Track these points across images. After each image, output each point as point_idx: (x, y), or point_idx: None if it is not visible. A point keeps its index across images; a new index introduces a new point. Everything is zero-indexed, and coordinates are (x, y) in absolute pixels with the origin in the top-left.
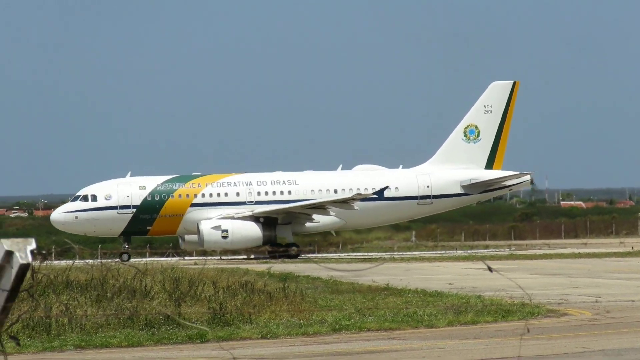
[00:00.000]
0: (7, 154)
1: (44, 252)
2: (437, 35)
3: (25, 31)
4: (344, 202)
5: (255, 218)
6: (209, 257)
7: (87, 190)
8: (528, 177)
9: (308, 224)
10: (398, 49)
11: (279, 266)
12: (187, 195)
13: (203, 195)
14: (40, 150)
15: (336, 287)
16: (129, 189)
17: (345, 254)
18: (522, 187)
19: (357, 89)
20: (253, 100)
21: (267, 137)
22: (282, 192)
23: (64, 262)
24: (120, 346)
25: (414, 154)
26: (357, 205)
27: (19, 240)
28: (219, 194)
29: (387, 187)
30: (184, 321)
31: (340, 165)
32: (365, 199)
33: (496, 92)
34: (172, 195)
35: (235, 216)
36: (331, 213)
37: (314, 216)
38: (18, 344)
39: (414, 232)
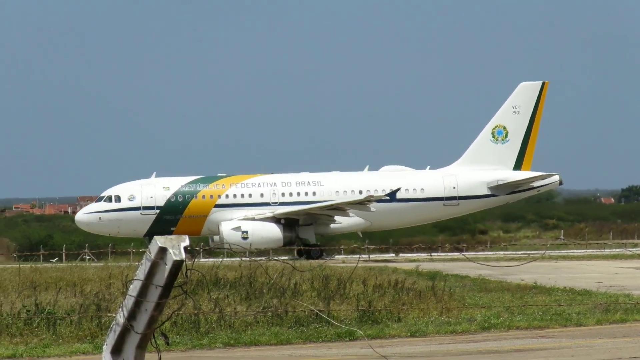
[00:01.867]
0: (36, 155)
1: (197, 249)
2: (465, 35)
3: (53, 31)
4: (360, 204)
5: (276, 219)
6: (354, 255)
7: (111, 191)
8: (557, 178)
9: (332, 225)
10: (427, 49)
11: (427, 264)
12: (211, 196)
13: (227, 196)
14: (68, 152)
15: (485, 286)
16: (152, 190)
17: (493, 253)
18: (551, 188)
19: (386, 90)
20: (281, 101)
21: (294, 138)
22: (306, 193)
23: (211, 260)
24: (269, 344)
25: (443, 155)
26: (373, 207)
27: (173, 237)
28: (242, 195)
29: (399, 189)
30: (332, 319)
31: (367, 166)
32: (392, 199)
33: (525, 93)
34: (196, 196)
35: (256, 217)
36: (351, 214)
37: (337, 217)
38: (167, 343)
39: (562, 231)
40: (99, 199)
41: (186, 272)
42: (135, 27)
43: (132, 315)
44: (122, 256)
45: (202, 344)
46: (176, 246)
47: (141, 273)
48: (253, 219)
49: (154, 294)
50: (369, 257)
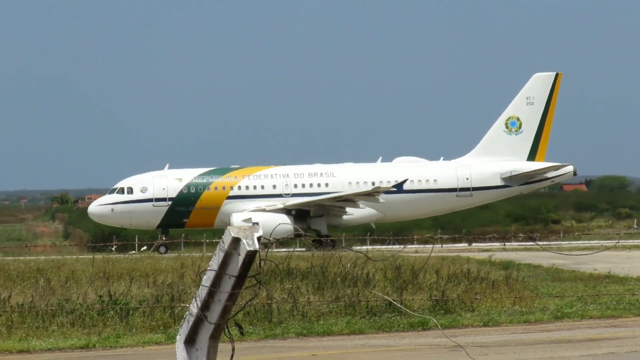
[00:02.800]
0: (52, 149)
1: (269, 239)
2: (479, 26)
3: (62, 28)
4: (369, 195)
5: (287, 211)
6: (426, 245)
7: (123, 183)
8: (571, 168)
9: (345, 217)
10: (441, 40)
11: (500, 254)
12: (224, 187)
13: (239, 187)
14: (84, 145)
15: (557, 275)
16: (165, 182)
17: (566, 242)
18: (565, 179)
19: (400, 82)
20: (296, 94)
21: (308, 130)
22: (319, 185)
23: (284, 251)
24: (342, 334)
25: (456, 146)
26: (384, 198)
27: (246, 227)
28: (255, 187)
29: (405, 181)
30: (406, 309)
31: (380, 158)
32: (399, 190)
33: (538, 84)
34: (208, 188)
35: (267, 209)
36: (361, 206)
37: (348, 209)
38: (242, 333)
39: (635, 220)
40: (112, 191)
41: (259, 262)
42: (149, 20)
43: (205, 306)
44: (195, 247)
45: (275, 334)
46: (249, 236)
47: (215, 263)
48: (264, 211)
49: (227, 284)
50: (441, 246)
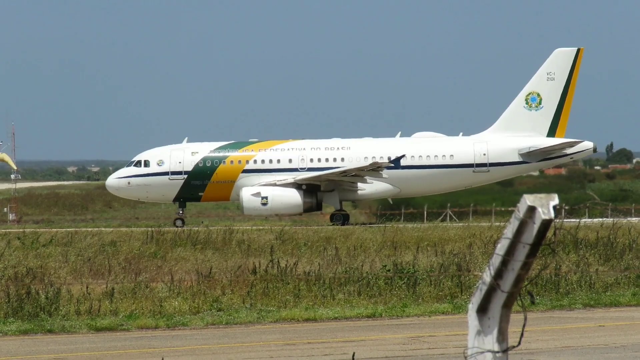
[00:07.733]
0: (79, 122)
1: (575, 207)
2: (500, 1)
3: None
4: (373, 170)
5: (297, 185)
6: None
7: (141, 156)
8: (590, 145)
9: (360, 192)
10: (461, 16)
11: None
12: (239, 161)
13: (255, 161)
14: (112, 118)
15: None
16: (181, 155)
17: None
18: (585, 155)
19: (424, 58)
20: (317, 70)
21: (329, 105)
22: (334, 159)
23: (573, 221)
24: (629, 305)
25: (478, 122)
26: (385, 173)
27: (542, 195)
28: (271, 160)
29: (403, 156)
30: None
31: (399, 132)
32: (396, 166)
33: (560, 59)
34: (224, 162)
35: (278, 183)
36: (368, 180)
37: (361, 184)
38: (533, 302)
39: None
40: (129, 164)
41: (555, 231)
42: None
43: (499, 274)
44: (484, 216)
45: (562, 305)
46: (545, 205)
47: (509, 231)
48: (274, 185)
49: (521, 253)
50: None
